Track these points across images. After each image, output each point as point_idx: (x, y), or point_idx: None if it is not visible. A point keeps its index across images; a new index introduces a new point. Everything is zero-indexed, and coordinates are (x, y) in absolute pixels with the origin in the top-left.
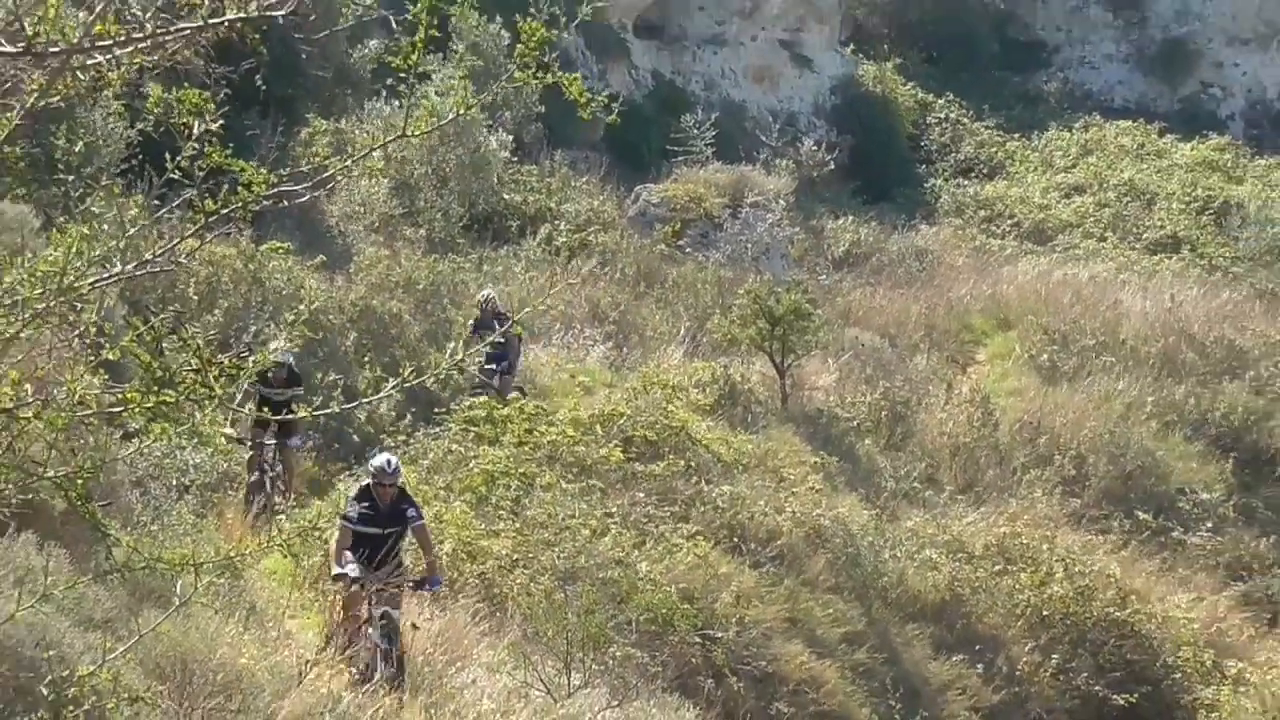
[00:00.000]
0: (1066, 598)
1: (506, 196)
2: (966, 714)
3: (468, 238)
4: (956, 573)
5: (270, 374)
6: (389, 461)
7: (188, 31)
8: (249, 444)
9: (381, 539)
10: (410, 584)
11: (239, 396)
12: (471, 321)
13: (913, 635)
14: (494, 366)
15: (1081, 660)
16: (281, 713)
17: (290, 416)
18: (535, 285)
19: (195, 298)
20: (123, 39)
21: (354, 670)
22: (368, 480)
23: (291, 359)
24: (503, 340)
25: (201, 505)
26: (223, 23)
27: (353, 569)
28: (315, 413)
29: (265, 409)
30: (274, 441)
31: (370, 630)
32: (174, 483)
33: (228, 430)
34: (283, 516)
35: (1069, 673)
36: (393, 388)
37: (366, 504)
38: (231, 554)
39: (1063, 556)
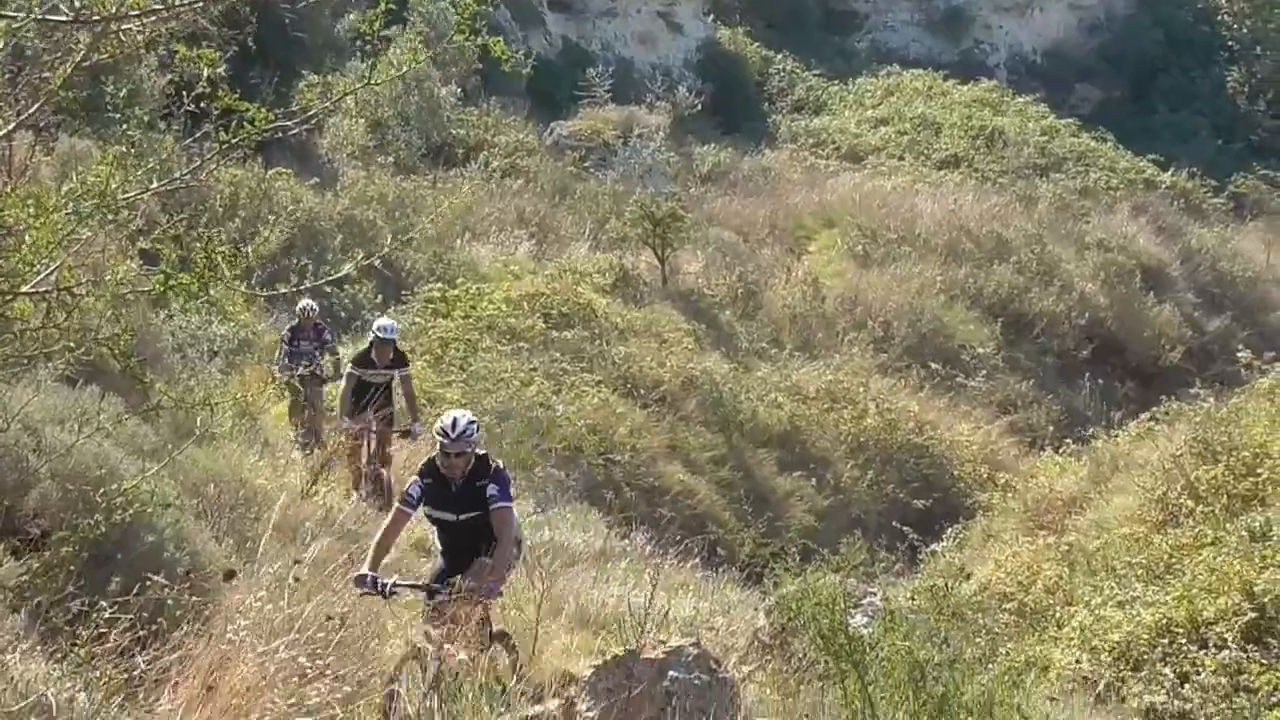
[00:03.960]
0: (878, 428)
1: (454, 132)
2: (803, 515)
3: (425, 163)
4: (795, 410)
5: (373, 353)
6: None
7: (199, 3)
8: (348, 432)
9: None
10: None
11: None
12: (288, 330)
13: (763, 457)
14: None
15: (889, 474)
16: (292, 518)
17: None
18: (475, 197)
19: (220, 209)
20: (149, 9)
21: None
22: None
23: (398, 336)
24: (315, 351)
25: (227, 366)
26: None
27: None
28: (299, 286)
29: (361, 396)
30: (375, 430)
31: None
32: (205, 349)
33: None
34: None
35: (880, 484)
36: (353, 265)
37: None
38: (240, 398)
39: (874, 397)
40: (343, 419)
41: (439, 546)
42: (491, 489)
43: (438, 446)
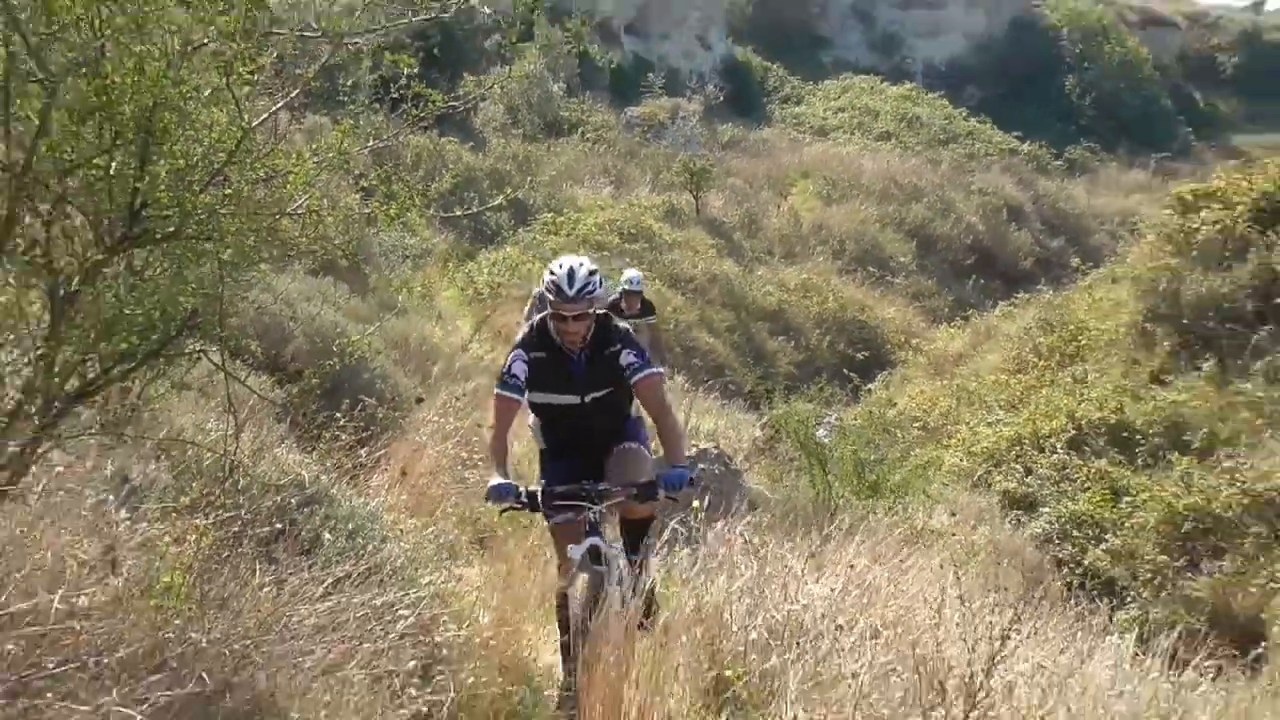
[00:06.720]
0: (835, 309)
1: (561, 114)
2: (786, 365)
3: (542, 134)
4: (782, 297)
5: (622, 303)
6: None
7: (401, 24)
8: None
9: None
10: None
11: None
12: (535, 296)
13: (760, 328)
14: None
15: (842, 339)
16: (456, 364)
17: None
18: (575, 157)
19: (409, 163)
20: (369, 29)
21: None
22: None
23: (643, 286)
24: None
25: (414, 266)
26: (415, 20)
27: None
28: (467, 212)
29: None
30: None
31: None
32: (400, 254)
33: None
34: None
35: (835, 345)
36: (503, 198)
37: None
38: (424, 284)
39: (833, 289)
40: None
41: (547, 446)
42: (628, 355)
43: (546, 307)
